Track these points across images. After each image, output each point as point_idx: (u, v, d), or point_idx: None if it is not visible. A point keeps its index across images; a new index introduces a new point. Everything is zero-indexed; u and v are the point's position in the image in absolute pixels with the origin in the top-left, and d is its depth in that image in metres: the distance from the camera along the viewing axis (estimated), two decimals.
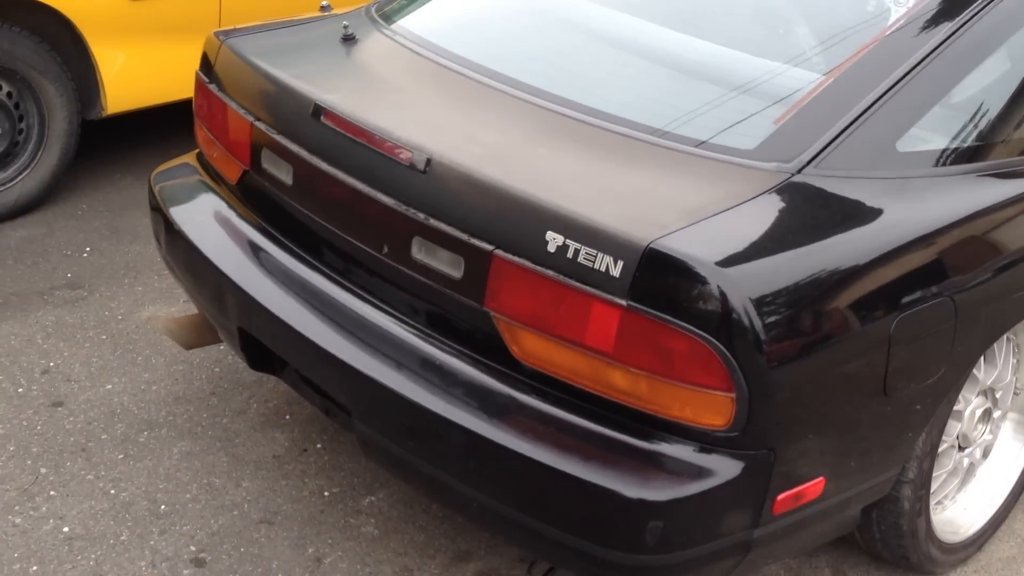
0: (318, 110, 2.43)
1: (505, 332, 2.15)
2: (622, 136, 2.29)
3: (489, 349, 2.20)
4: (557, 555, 2.18)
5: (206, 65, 2.85)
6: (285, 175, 2.53)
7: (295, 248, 2.55)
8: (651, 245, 1.95)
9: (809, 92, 2.32)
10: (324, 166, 2.41)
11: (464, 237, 2.16)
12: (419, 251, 2.25)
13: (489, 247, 2.12)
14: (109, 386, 3.21)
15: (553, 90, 2.44)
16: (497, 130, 2.35)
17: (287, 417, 3.14)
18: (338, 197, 2.40)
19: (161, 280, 3.76)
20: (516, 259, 2.09)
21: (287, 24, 2.96)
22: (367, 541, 2.72)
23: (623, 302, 1.97)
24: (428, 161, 2.22)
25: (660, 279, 1.95)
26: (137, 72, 4.17)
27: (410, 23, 2.83)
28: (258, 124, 2.59)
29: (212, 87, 2.78)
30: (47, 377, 3.23)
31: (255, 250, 2.60)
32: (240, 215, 2.70)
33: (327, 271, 2.48)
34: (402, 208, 2.26)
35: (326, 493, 2.87)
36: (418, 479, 2.33)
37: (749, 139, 2.25)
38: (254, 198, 2.68)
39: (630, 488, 2.00)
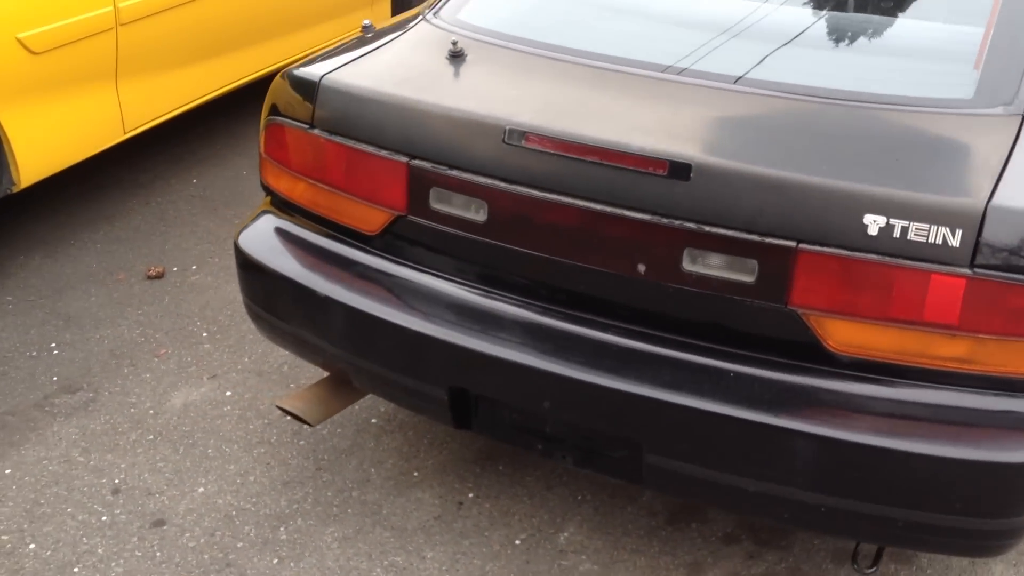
0: (514, 134, 2.22)
1: (816, 326, 2.08)
2: (849, 108, 2.25)
3: (792, 346, 2.12)
4: (912, 537, 2.14)
5: (290, 110, 2.53)
6: (473, 212, 2.31)
7: (497, 290, 2.34)
8: (988, 207, 1.95)
9: (984, 37, 2.36)
10: (538, 194, 2.22)
11: (756, 239, 2.06)
12: (692, 263, 2.12)
13: (791, 243, 2.04)
14: (200, 489, 2.83)
15: (739, 74, 2.36)
16: (728, 126, 2.25)
17: (416, 474, 2.89)
18: (563, 224, 2.22)
19: (163, 361, 3.33)
20: (828, 250, 2.02)
21: (355, 49, 2.68)
22: None
23: (967, 271, 1.95)
24: (690, 168, 2.09)
25: (1004, 240, 1.95)
26: (48, 135, 3.66)
27: (501, 25, 2.64)
28: (418, 163, 2.34)
29: (318, 132, 2.48)
30: (123, 496, 2.80)
31: (446, 302, 2.37)
32: (403, 266, 2.44)
33: (552, 307, 2.29)
34: (664, 222, 2.12)
35: (517, 541, 2.67)
36: (736, 500, 2.21)
37: (962, 89, 2.27)
38: (415, 245, 2.42)
39: (1017, 454, 1.99)
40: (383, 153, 2.39)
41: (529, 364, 2.23)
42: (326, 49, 2.77)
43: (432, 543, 2.66)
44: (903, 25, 2.51)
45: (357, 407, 3.10)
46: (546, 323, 2.29)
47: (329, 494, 2.82)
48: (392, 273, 2.44)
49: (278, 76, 2.64)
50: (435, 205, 2.35)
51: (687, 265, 2.13)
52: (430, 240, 2.40)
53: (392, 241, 2.45)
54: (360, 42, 2.74)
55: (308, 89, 2.52)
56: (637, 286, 2.19)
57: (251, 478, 2.87)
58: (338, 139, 2.46)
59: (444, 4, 2.80)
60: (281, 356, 3.33)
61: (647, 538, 2.68)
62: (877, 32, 2.50)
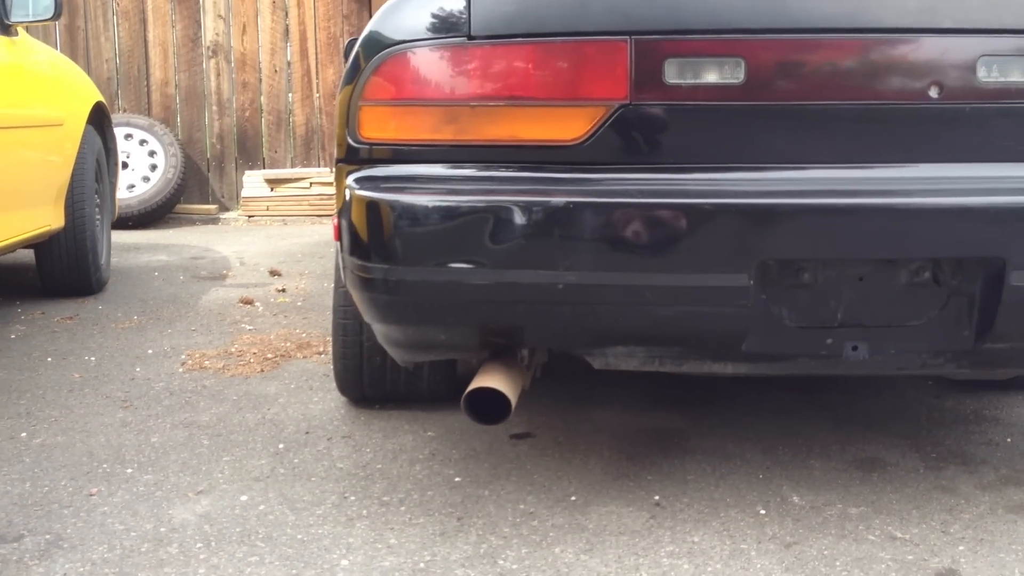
0: None
1: None
2: None
3: None
4: None
5: (426, 30, 2.11)
6: (727, 75, 2.06)
7: (766, 162, 2.07)
8: None
9: None
10: (805, 36, 2.06)
11: None
12: (989, 73, 2.07)
13: None
14: (345, 562, 2.01)
15: None
16: None
17: (574, 498, 2.30)
18: (838, 62, 2.06)
19: (104, 497, 2.36)
20: None
21: None
22: None
23: None
24: None
25: None
26: None
27: None
28: (645, 38, 2.05)
29: (481, 43, 2.08)
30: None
31: (710, 189, 2.04)
32: (631, 168, 2.07)
33: (839, 162, 2.07)
34: (955, 37, 2.06)
35: (763, 514, 2.22)
36: None
37: None
38: (643, 137, 2.07)
39: None
40: (590, 39, 2.06)
41: (859, 203, 1.99)
42: None
43: (699, 536, 2.12)
44: None
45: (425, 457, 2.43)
46: (847, 175, 2.05)
47: (506, 529, 2.14)
48: (621, 178, 2.05)
49: (375, 17, 2.20)
50: (672, 81, 2.05)
51: (983, 76, 2.06)
52: (666, 124, 2.07)
53: (608, 142, 2.06)
54: None
55: (451, 2, 2.11)
56: (929, 114, 2.06)
57: (392, 540, 2.10)
58: (516, 42, 2.08)
59: None
60: (265, 460, 2.54)
61: (864, 484, 2.37)
62: None
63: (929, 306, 2.07)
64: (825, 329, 2.08)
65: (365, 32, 2.21)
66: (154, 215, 6.83)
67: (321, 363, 3.42)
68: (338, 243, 2.27)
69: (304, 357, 3.51)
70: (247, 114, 7.50)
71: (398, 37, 2.11)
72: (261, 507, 2.27)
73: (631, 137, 2.06)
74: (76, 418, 2.91)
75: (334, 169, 2.25)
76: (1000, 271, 2.00)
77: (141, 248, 6.03)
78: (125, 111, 7.43)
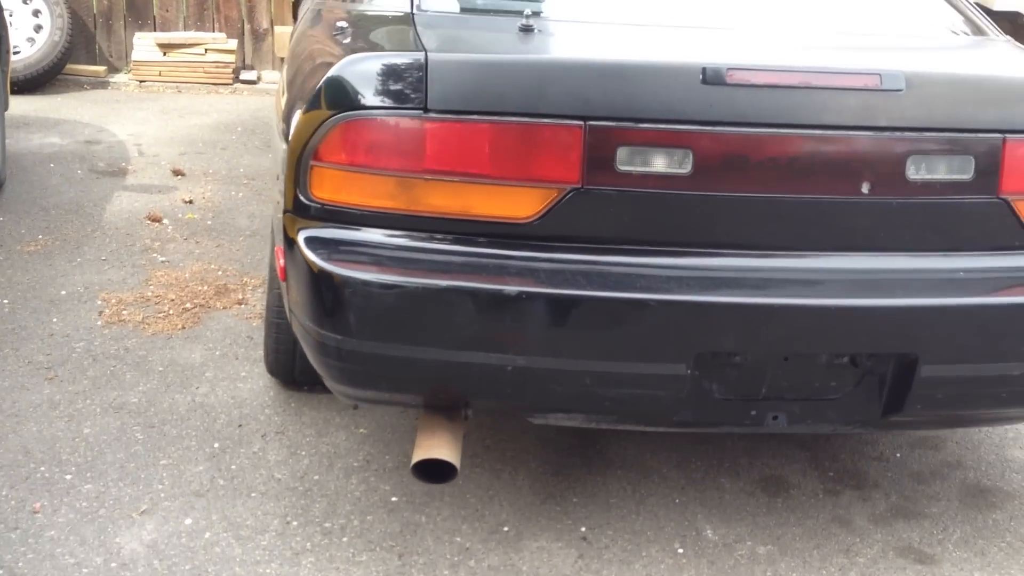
0: (715, 74, 2.11)
1: (1022, 212, 2.26)
2: None
3: (997, 236, 2.26)
4: None
5: (381, 99, 2.11)
6: (675, 165, 2.13)
7: (710, 247, 2.17)
8: None
9: None
10: (751, 131, 2.13)
11: (971, 136, 2.20)
12: (917, 171, 2.19)
13: (999, 135, 2.21)
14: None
15: None
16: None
17: (506, 529, 2.46)
18: (781, 157, 2.15)
19: (48, 515, 2.44)
20: None
21: (387, 41, 2.34)
22: None
23: None
24: (904, 78, 2.17)
25: None
26: None
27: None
28: (598, 124, 2.10)
29: (437, 117, 2.09)
30: None
31: (655, 272, 2.14)
32: (580, 248, 2.15)
33: (780, 250, 2.19)
34: (885, 136, 2.17)
35: (680, 549, 2.41)
36: (1004, 394, 2.25)
37: None
38: (594, 219, 2.14)
39: None
40: (546, 122, 2.10)
41: (793, 303, 2.11)
42: (329, 48, 2.34)
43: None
44: None
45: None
46: (783, 264, 2.17)
47: (446, 571, 2.30)
48: (571, 259, 2.14)
49: (332, 71, 2.17)
50: (623, 167, 2.11)
51: (911, 174, 2.17)
52: (616, 208, 2.14)
53: (560, 222, 2.13)
54: (378, 36, 2.38)
55: (410, 71, 2.11)
56: (859, 208, 2.18)
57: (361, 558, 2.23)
58: (472, 119, 2.10)
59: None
60: (203, 466, 2.62)
61: (770, 514, 2.58)
62: None
63: (845, 383, 2.24)
64: (750, 401, 2.23)
65: (329, 74, 2.15)
66: (41, 79, 6.56)
67: (242, 318, 3.46)
68: (283, 283, 2.31)
69: (224, 308, 3.54)
70: None
71: (357, 100, 2.10)
72: (207, 535, 2.37)
73: (582, 218, 2.13)
74: (3, 392, 2.93)
75: (282, 217, 2.26)
76: (913, 363, 2.17)
77: (31, 125, 5.83)
78: None
